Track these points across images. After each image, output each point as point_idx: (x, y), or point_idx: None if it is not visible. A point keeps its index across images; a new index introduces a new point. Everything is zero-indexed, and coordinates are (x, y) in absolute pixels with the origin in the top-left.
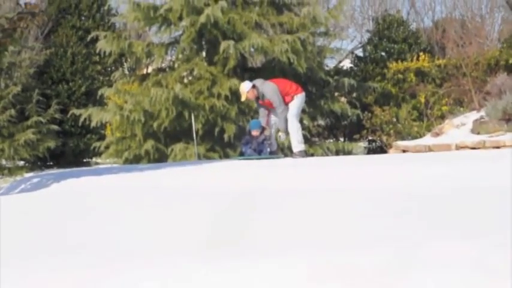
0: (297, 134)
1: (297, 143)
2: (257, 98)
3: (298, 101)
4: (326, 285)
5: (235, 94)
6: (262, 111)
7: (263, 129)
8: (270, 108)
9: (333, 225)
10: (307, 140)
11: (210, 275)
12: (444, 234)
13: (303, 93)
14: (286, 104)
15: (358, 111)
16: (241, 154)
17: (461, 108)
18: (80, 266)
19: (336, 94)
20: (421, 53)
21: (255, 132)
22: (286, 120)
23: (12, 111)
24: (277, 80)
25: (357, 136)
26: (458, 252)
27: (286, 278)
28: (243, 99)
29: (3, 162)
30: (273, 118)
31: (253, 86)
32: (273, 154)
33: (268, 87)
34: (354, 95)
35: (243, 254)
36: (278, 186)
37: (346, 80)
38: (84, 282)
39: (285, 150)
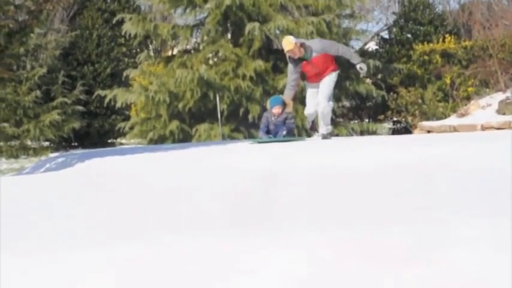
0: (328, 115)
1: (325, 125)
2: (298, 60)
3: (334, 78)
4: (349, 262)
5: (260, 75)
6: (292, 82)
7: (285, 105)
8: (310, 75)
9: (362, 203)
10: (331, 121)
11: (234, 248)
12: (472, 213)
13: (338, 72)
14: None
15: (383, 92)
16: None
17: (487, 90)
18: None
19: (361, 75)
20: (447, 35)
21: (276, 110)
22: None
23: (38, 93)
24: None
25: (381, 117)
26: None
27: (312, 256)
28: (287, 48)
29: (29, 142)
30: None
31: (301, 45)
32: (289, 134)
33: (323, 40)
34: (379, 76)
35: (269, 230)
36: (310, 165)
37: (371, 62)
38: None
39: (300, 131)
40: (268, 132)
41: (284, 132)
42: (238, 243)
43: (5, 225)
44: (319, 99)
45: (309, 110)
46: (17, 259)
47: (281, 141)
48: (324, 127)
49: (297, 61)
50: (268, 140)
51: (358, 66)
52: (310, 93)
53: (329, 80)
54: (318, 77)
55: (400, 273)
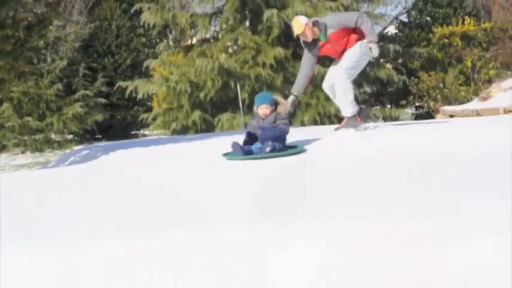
0: (346, 93)
1: (345, 105)
2: (314, 42)
3: (358, 48)
4: (377, 249)
5: (280, 63)
6: (305, 70)
7: (276, 105)
8: (333, 56)
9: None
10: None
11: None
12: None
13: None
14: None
15: (404, 77)
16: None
17: (509, 72)
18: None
19: (382, 60)
20: (466, 17)
21: (262, 110)
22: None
23: (60, 86)
24: None
25: (403, 102)
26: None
27: (336, 243)
28: (297, 32)
29: (53, 135)
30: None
31: (314, 24)
32: (279, 141)
33: (338, 13)
34: (400, 61)
35: (297, 218)
36: (336, 152)
37: (391, 46)
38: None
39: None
40: (251, 141)
41: (268, 149)
42: (267, 231)
43: (38, 218)
44: (335, 72)
45: (324, 84)
46: (58, 247)
47: (263, 158)
48: (343, 108)
49: (312, 44)
50: (240, 158)
51: (369, 45)
52: (328, 76)
53: (352, 51)
54: (342, 54)
55: (425, 259)
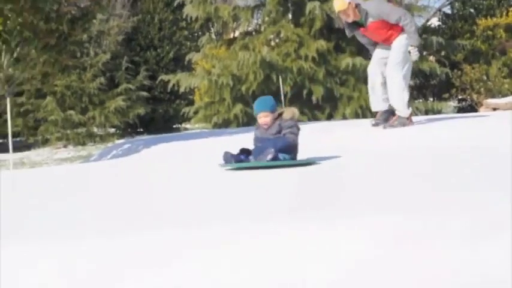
0: (404, 92)
1: (403, 106)
2: (354, 25)
3: (404, 41)
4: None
5: (322, 55)
6: (367, 44)
7: (280, 113)
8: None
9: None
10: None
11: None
12: None
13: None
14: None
15: (447, 70)
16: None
17: None
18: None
19: (424, 53)
20: (510, 9)
21: (262, 119)
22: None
23: (102, 79)
24: None
25: (446, 95)
26: None
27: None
28: (339, 8)
29: (95, 129)
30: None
31: (356, 6)
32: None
33: (383, 3)
34: (443, 53)
35: (335, 213)
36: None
37: (434, 38)
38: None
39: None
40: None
41: (269, 156)
42: (305, 225)
43: (81, 212)
44: (387, 70)
45: (371, 82)
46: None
47: (260, 167)
48: (402, 109)
49: (353, 26)
50: (233, 166)
51: (411, 49)
52: (374, 60)
53: (398, 44)
54: (385, 42)
55: (460, 256)
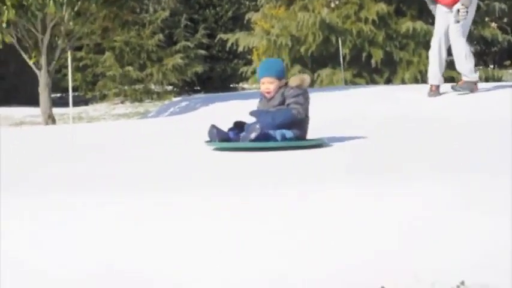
0: (470, 57)
1: (470, 70)
2: None
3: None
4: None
5: (382, 19)
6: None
7: (286, 80)
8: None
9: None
10: (453, 67)
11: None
12: None
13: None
14: None
15: (509, 37)
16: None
17: None
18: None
19: (486, 19)
20: None
21: (265, 85)
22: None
23: (161, 36)
24: None
25: (507, 63)
26: None
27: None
28: None
29: (152, 86)
30: None
31: None
32: (289, 137)
33: None
34: (505, 20)
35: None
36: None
37: (496, 4)
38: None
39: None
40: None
41: (253, 135)
42: (360, 190)
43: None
44: (451, 36)
45: (433, 56)
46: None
47: (248, 149)
48: (469, 74)
49: None
50: (221, 146)
51: (458, 7)
52: (438, 33)
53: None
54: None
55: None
